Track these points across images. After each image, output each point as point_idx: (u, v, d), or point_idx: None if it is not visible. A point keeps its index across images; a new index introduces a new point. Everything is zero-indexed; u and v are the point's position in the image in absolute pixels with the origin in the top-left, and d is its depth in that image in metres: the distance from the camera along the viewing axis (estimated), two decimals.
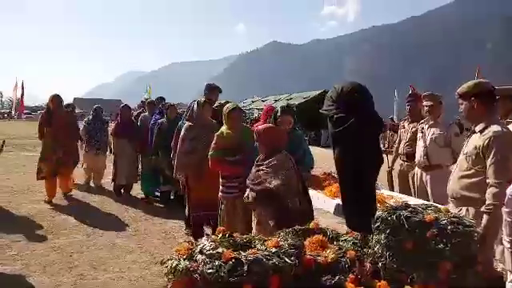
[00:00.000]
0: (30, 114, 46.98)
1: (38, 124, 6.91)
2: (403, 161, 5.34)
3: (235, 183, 3.88)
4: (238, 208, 3.86)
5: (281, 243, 2.01)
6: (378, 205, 3.49)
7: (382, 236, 2.11)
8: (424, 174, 4.74)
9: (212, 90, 5.59)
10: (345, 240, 2.37)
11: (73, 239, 5.00)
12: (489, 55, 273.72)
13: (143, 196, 7.28)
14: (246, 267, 1.79)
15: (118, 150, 7.15)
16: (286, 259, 1.89)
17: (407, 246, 2.05)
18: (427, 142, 4.65)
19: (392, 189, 5.54)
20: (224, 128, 4.14)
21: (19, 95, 41.39)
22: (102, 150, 7.95)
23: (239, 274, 1.77)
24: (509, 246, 2.15)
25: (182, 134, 4.68)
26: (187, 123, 4.71)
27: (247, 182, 3.30)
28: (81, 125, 7.95)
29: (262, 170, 3.18)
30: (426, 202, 2.76)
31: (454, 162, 4.67)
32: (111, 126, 8.66)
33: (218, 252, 1.88)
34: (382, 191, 4.23)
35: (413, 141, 5.14)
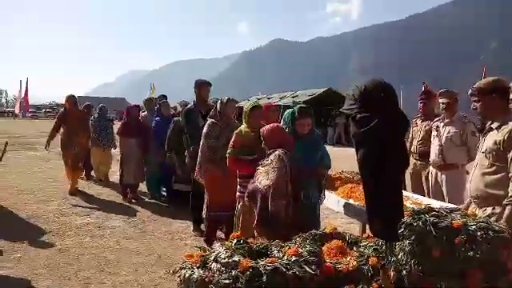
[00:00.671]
0: (34, 112, 47.06)
1: (55, 119, 7.81)
2: (416, 160, 5.19)
3: None
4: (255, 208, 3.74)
5: (300, 250, 1.89)
6: None
7: (407, 242, 1.99)
8: (439, 174, 4.61)
9: (201, 86, 5.45)
10: (365, 246, 2.25)
11: (78, 241, 4.90)
12: (489, 54, 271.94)
13: (149, 196, 7.20)
14: (264, 278, 1.67)
15: (126, 150, 7.00)
16: (307, 268, 1.77)
17: (435, 253, 1.93)
18: (442, 141, 4.51)
19: (404, 188, 5.41)
20: (243, 126, 4.05)
21: (23, 94, 41.43)
22: (108, 146, 8.51)
23: (258, 286, 1.66)
24: None
25: (204, 130, 4.56)
26: (210, 120, 4.59)
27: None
28: None
29: (259, 169, 3.27)
30: (449, 205, 2.64)
31: (470, 160, 4.57)
32: (116, 124, 8.72)
33: (234, 260, 1.77)
34: None
35: (426, 139, 5.00)
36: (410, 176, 5.35)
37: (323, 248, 2.22)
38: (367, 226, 4.23)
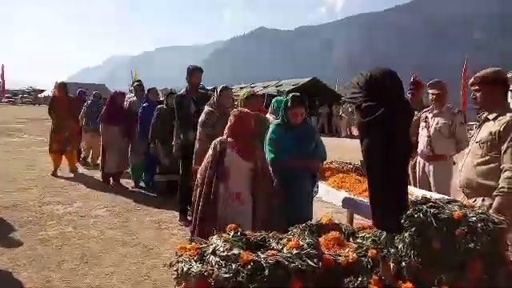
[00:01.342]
0: (10, 97, 45.63)
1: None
2: None
3: None
4: None
5: (301, 243, 1.84)
6: None
7: (407, 234, 1.95)
8: (427, 164, 4.63)
9: (193, 73, 5.30)
10: (363, 237, 2.21)
11: (61, 231, 4.76)
12: (475, 44, 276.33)
13: (133, 185, 7.06)
14: (266, 271, 1.62)
15: (108, 137, 6.83)
16: (309, 261, 1.72)
17: (435, 244, 1.90)
18: (431, 132, 4.53)
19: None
20: None
21: None
22: (98, 132, 8.32)
23: (259, 279, 1.60)
24: None
25: (201, 118, 4.46)
26: (207, 108, 4.49)
27: None
28: None
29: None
30: (445, 197, 2.62)
31: (458, 152, 4.61)
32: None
33: (234, 254, 1.70)
34: None
35: (414, 130, 5.01)
36: None
37: (320, 239, 2.17)
38: (355, 216, 4.27)
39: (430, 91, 4.60)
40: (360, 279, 1.87)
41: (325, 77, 25.52)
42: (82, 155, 9.12)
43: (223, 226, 2.86)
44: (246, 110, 3.43)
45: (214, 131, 4.29)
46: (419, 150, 4.73)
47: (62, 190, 6.61)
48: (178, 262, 1.77)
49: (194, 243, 2.82)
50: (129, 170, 7.23)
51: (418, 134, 4.80)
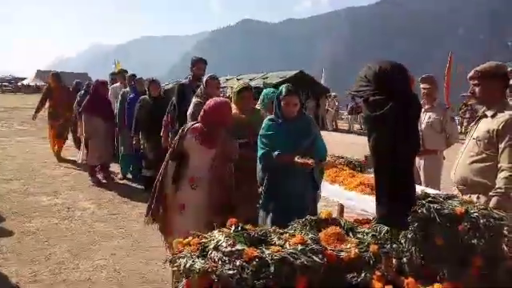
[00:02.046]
0: None
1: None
2: None
3: None
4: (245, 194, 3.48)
5: (305, 239, 1.81)
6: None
7: (409, 230, 1.95)
8: (417, 159, 4.65)
9: (197, 64, 5.19)
10: (363, 232, 2.20)
11: (47, 223, 4.66)
12: (460, 41, 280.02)
13: (121, 177, 6.94)
14: (272, 268, 1.58)
15: (90, 128, 6.54)
16: (315, 258, 1.69)
17: (438, 240, 1.90)
18: (423, 127, 4.54)
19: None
20: (232, 108, 3.65)
21: None
22: None
23: (265, 276, 1.56)
24: None
25: (190, 110, 4.30)
26: (196, 99, 4.35)
27: None
28: None
29: None
30: (443, 192, 2.62)
31: (448, 146, 4.65)
32: None
33: (237, 249, 1.66)
34: None
35: None
36: None
37: (320, 235, 2.15)
38: (345, 209, 4.27)
39: (422, 86, 4.61)
40: (363, 275, 1.85)
41: (310, 70, 25.49)
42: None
43: (174, 207, 3.10)
44: (224, 99, 3.37)
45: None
46: None
47: (47, 182, 6.46)
48: (179, 257, 1.71)
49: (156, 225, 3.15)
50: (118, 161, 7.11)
51: None
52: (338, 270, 1.87)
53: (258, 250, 1.67)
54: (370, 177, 4.05)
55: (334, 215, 3.77)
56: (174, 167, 3.13)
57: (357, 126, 20.85)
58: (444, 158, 4.75)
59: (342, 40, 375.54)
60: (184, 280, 1.68)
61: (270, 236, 1.96)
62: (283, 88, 3.21)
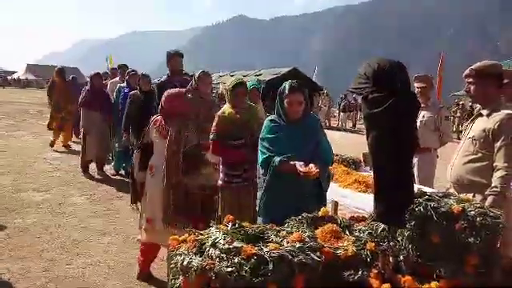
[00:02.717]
0: None
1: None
2: None
3: (239, 171, 3.38)
4: (242, 200, 3.39)
5: (303, 236, 1.80)
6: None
7: (406, 227, 1.95)
8: None
9: (173, 58, 5.09)
10: (359, 230, 2.20)
11: (39, 219, 4.60)
12: (447, 42, 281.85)
13: (113, 172, 6.89)
14: (270, 265, 1.57)
15: (88, 122, 6.56)
16: (313, 255, 1.69)
17: (434, 239, 1.91)
18: (417, 125, 4.56)
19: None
20: (226, 107, 3.55)
21: None
22: None
23: (264, 274, 1.56)
24: None
25: None
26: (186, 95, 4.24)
27: None
28: None
29: None
30: (440, 191, 2.63)
31: (442, 145, 4.69)
32: None
33: (235, 247, 1.65)
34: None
35: None
36: None
37: (317, 232, 2.14)
38: (339, 207, 4.28)
39: (416, 85, 4.63)
40: (360, 273, 1.85)
41: (303, 67, 25.46)
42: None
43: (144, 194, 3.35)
44: (177, 90, 3.57)
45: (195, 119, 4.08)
46: None
47: (39, 177, 6.38)
48: (176, 254, 1.70)
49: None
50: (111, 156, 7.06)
51: None
52: (335, 267, 1.87)
53: (257, 248, 1.67)
54: (364, 174, 4.07)
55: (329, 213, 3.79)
56: (139, 156, 3.41)
57: (349, 124, 20.95)
58: (438, 157, 4.79)
59: (334, 38, 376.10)
60: (181, 277, 1.66)
61: (267, 233, 1.96)
62: (286, 85, 2.81)
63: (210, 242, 1.73)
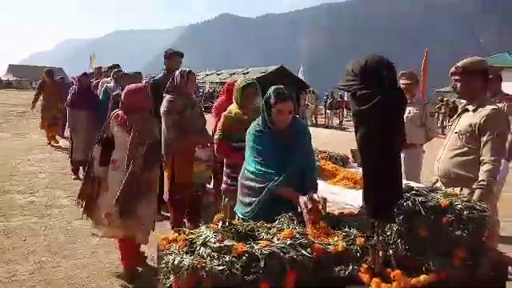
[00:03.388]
0: None
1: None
2: None
3: None
4: None
5: (294, 233, 1.81)
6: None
7: (395, 222, 1.97)
8: None
9: (172, 57, 5.00)
10: (349, 225, 2.21)
11: (25, 221, 4.53)
12: (434, 40, 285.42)
13: None
14: (262, 263, 1.58)
15: (75, 122, 6.47)
16: (304, 252, 1.69)
17: (422, 232, 1.93)
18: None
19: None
20: (234, 107, 3.44)
21: None
22: None
23: (255, 271, 1.56)
24: None
25: (164, 107, 4.02)
26: (169, 96, 4.08)
27: None
28: None
29: None
30: (426, 185, 2.67)
31: (428, 140, 4.75)
32: None
33: (226, 245, 1.65)
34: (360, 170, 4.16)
35: None
36: None
37: (307, 229, 2.16)
38: (328, 203, 4.30)
39: (402, 81, 4.68)
40: (350, 268, 1.87)
41: (289, 65, 25.53)
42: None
43: (104, 188, 3.33)
44: (140, 85, 3.62)
45: (182, 119, 3.99)
46: None
47: (24, 179, 6.28)
48: (166, 254, 1.69)
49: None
50: None
51: None
52: (326, 263, 1.88)
53: (247, 245, 1.67)
54: (352, 171, 4.10)
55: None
56: (100, 151, 3.40)
57: (336, 122, 21.08)
58: (423, 152, 4.85)
59: (321, 36, 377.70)
60: (172, 277, 1.66)
61: (258, 231, 1.96)
62: (273, 92, 2.54)
63: (201, 241, 1.73)
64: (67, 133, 8.93)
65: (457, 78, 2.84)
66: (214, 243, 1.67)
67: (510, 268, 2.19)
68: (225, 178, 3.44)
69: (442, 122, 18.50)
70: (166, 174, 4.30)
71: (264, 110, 2.56)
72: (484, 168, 2.64)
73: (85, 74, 7.02)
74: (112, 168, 3.33)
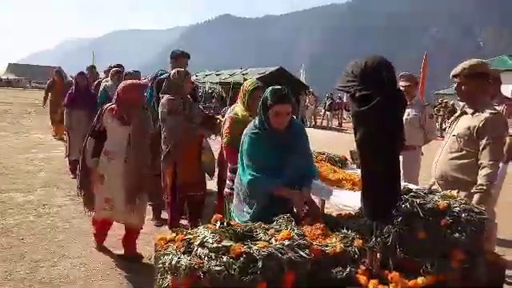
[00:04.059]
0: None
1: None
2: None
3: None
4: None
5: (292, 234, 1.80)
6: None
7: (393, 224, 1.97)
8: None
9: (179, 58, 4.93)
10: (347, 227, 2.21)
11: (22, 220, 4.51)
12: (433, 41, 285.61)
13: None
14: (260, 264, 1.57)
15: (72, 122, 6.47)
16: (302, 253, 1.69)
17: (420, 234, 1.93)
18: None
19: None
20: (240, 109, 3.39)
21: None
22: None
23: (253, 272, 1.56)
24: None
25: (165, 108, 4.00)
26: (167, 96, 4.06)
27: None
28: None
29: None
30: (424, 187, 2.66)
31: (426, 142, 4.75)
32: None
33: (224, 246, 1.64)
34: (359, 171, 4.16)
35: None
36: None
37: (305, 230, 2.15)
38: (326, 204, 4.30)
39: (401, 83, 4.67)
40: (348, 269, 1.87)
41: (289, 66, 25.53)
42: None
43: (96, 178, 3.56)
44: (135, 82, 3.81)
45: (179, 118, 3.99)
46: None
47: (22, 178, 6.26)
48: (164, 254, 1.68)
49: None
50: None
51: None
52: (324, 264, 1.88)
53: (245, 246, 1.66)
54: (350, 172, 4.09)
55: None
56: (93, 144, 3.55)
57: (335, 123, 21.10)
58: (422, 154, 4.85)
59: (320, 37, 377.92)
60: (169, 277, 1.65)
61: (256, 232, 1.95)
62: (271, 93, 2.46)
63: (199, 242, 1.72)
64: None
65: (457, 80, 2.84)
66: (212, 244, 1.67)
67: (507, 271, 2.18)
68: (228, 183, 3.38)
69: (441, 125, 18.52)
70: (166, 173, 4.25)
71: (261, 111, 2.51)
72: (483, 172, 2.64)
73: (82, 73, 6.98)
74: (106, 159, 3.52)
